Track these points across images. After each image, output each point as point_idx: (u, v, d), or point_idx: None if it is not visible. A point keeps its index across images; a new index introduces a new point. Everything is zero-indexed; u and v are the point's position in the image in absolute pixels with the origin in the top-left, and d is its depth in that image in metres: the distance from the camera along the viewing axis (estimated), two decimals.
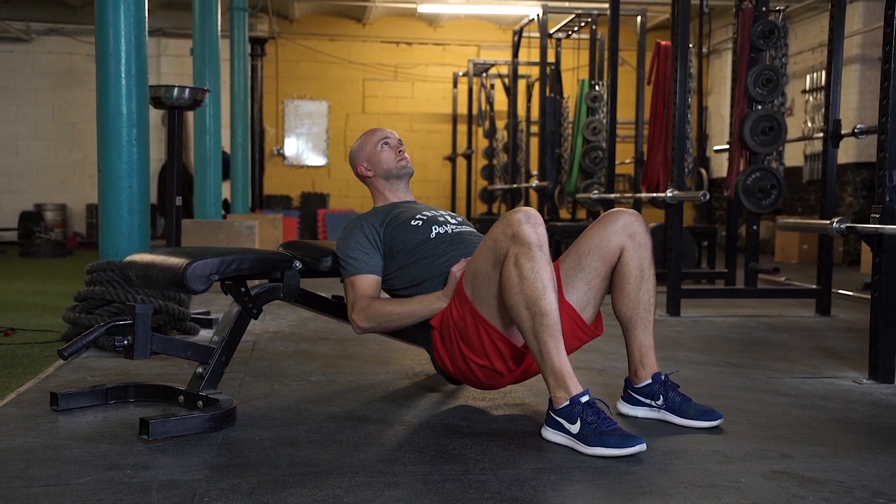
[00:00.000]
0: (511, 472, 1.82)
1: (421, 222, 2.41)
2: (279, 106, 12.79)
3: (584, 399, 1.97)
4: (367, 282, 2.36)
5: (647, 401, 2.27)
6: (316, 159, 12.96)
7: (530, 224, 2.00)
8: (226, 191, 9.09)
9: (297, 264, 2.44)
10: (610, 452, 1.90)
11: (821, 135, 4.75)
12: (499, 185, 11.28)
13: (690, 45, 5.20)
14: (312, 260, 2.48)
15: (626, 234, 2.24)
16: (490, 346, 2.16)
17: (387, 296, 2.43)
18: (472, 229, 2.50)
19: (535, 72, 10.21)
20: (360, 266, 2.36)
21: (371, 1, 11.41)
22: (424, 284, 2.33)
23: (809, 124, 8.55)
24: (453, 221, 2.48)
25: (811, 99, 8.76)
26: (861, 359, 3.14)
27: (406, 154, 2.58)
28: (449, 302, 2.23)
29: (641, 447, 1.92)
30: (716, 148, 6.50)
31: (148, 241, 3.45)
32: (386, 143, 2.56)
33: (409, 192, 2.63)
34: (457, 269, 2.23)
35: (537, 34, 8.47)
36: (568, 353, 2.04)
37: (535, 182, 8.52)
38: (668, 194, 4.64)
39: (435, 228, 2.40)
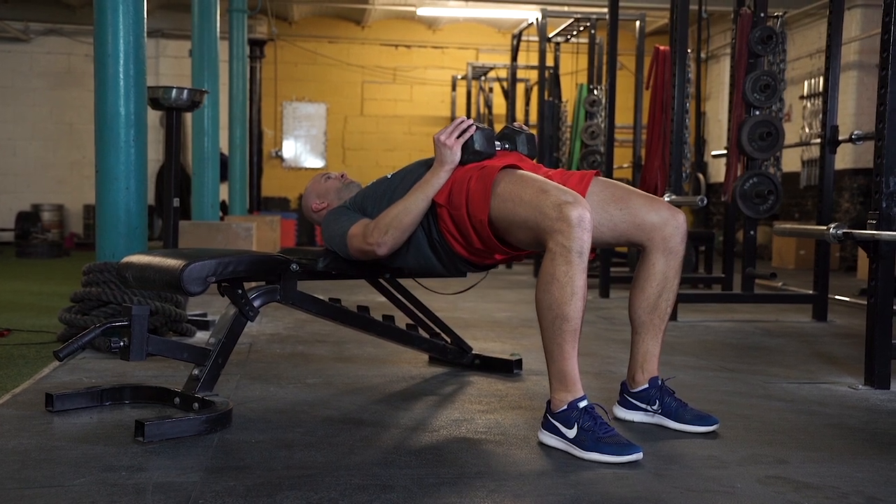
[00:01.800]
0: (507, 476, 1.82)
1: (375, 180, 2.54)
2: (278, 108, 12.78)
3: (582, 404, 1.97)
4: (364, 222, 2.37)
5: (644, 405, 2.27)
6: (314, 161, 12.96)
7: (582, 228, 1.95)
8: (224, 192, 9.11)
9: (295, 266, 2.44)
10: (606, 459, 1.90)
11: (818, 140, 4.76)
12: None
13: (689, 51, 5.21)
14: (309, 260, 2.49)
15: (660, 235, 2.20)
16: (490, 246, 2.24)
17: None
18: None
19: (533, 75, 10.21)
20: (351, 221, 2.39)
21: (370, 3, 11.41)
22: None
23: (807, 130, 8.55)
24: None
25: (809, 105, 8.77)
26: (857, 364, 3.14)
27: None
28: (447, 170, 2.25)
29: (638, 456, 1.91)
30: (713, 153, 6.51)
31: (145, 242, 3.45)
32: (328, 177, 2.71)
33: None
34: (441, 135, 2.25)
35: (536, 38, 8.47)
36: None
37: None
38: (666, 199, 4.64)
39: (387, 175, 2.51)
